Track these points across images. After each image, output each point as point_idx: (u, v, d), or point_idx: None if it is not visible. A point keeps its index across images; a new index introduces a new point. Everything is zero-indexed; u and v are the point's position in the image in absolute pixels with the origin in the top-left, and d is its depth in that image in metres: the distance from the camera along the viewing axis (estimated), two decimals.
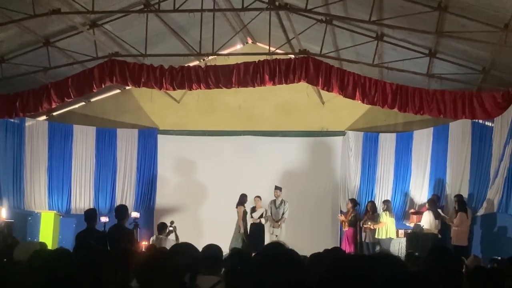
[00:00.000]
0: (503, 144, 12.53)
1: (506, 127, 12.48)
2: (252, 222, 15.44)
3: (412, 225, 14.67)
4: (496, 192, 12.64)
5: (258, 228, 15.38)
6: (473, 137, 14.19)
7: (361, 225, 15.27)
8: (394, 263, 1.93)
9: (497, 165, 12.72)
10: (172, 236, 13.80)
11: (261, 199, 15.58)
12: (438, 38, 12.00)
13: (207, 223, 16.72)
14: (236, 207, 15.44)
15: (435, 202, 14.50)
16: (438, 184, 15.21)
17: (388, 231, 14.75)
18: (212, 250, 5.23)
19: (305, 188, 16.43)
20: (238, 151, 17.13)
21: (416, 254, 9.69)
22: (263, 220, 15.44)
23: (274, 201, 15.56)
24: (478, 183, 13.79)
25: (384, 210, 14.92)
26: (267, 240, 15.17)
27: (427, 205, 14.53)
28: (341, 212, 16.59)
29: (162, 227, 13.76)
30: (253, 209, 15.57)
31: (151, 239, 13.96)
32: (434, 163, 15.46)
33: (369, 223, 14.95)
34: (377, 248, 15.04)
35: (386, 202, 15.28)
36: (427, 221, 14.19)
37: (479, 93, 12.71)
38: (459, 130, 14.64)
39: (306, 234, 15.70)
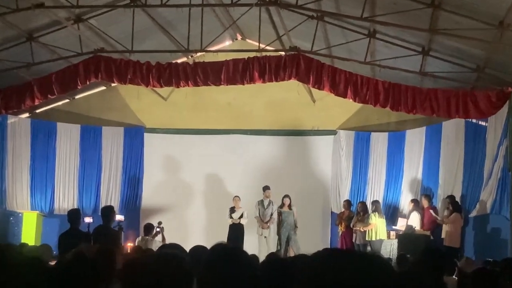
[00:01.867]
0: (497, 144, 12.59)
1: (500, 126, 12.53)
2: (231, 223, 15.43)
3: (402, 228, 14.69)
4: (490, 193, 12.69)
5: (237, 229, 15.38)
6: (466, 137, 14.23)
7: (351, 227, 15.32)
8: (379, 263, 1.92)
9: (490, 165, 12.77)
10: (159, 238, 13.77)
11: (240, 199, 15.59)
12: (432, 35, 12.04)
13: (195, 224, 16.71)
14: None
15: (418, 202, 14.63)
16: (430, 185, 15.26)
17: (378, 232, 14.77)
18: (199, 251, 5.21)
19: (296, 188, 16.41)
20: (227, 150, 17.12)
21: (408, 256, 9.71)
22: (242, 221, 15.44)
23: (262, 201, 15.55)
24: (471, 184, 13.84)
25: (373, 211, 14.96)
26: (254, 242, 15.19)
27: (412, 205, 14.61)
28: (332, 213, 16.63)
29: (149, 228, 13.74)
30: (232, 209, 15.57)
31: (137, 240, 13.92)
32: (426, 163, 15.50)
33: (358, 225, 14.99)
34: (368, 249, 15.08)
35: (375, 202, 15.31)
36: (416, 222, 14.27)
37: (473, 92, 12.76)
38: (453, 129, 14.68)
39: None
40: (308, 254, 4.66)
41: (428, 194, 14.89)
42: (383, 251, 14.56)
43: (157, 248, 10.88)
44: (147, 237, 13.41)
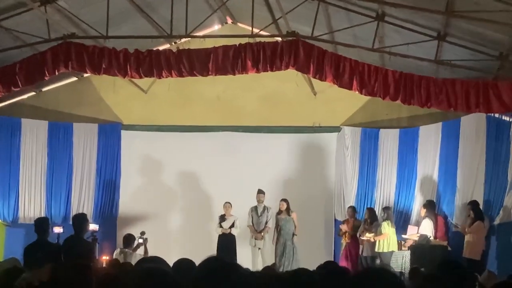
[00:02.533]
0: None
1: None
2: (221, 232, 15.44)
3: (412, 237, 14.72)
4: None
5: (228, 240, 15.42)
6: (488, 134, 14.26)
7: (358, 237, 15.36)
8: (390, 279, 1.94)
9: None
10: (140, 251, 13.73)
11: (231, 206, 15.61)
12: (448, 18, 12.05)
13: (179, 234, 16.72)
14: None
15: (433, 206, 14.68)
16: (447, 188, 15.29)
17: (390, 243, 14.83)
18: (185, 265, 5.21)
19: (294, 192, 16.46)
20: (216, 149, 17.13)
21: (422, 269, 9.74)
22: (234, 231, 15.45)
23: (256, 207, 15.58)
24: (494, 187, 13.88)
25: (384, 219, 15.00)
26: (246, 254, 15.23)
27: (424, 212, 14.65)
28: (335, 221, 16.67)
29: (129, 239, 13.68)
30: (222, 218, 15.61)
31: (115, 252, 13.88)
32: (443, 163, 15.54)
33: (367, 234, 15.03)
34: (377, 262, 15.14)
35: (386, 209, 15.38)
36: (429, 229, 14.31)
37: (496, 82, 12.76)
38: (472, 125, 14.72)
39: (297, 247, 15.66)
40: (309, 269, 4.68)
41: (432, 200, 14.95)
42: (394, 264, 14.63)
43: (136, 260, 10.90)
44: (126, 249, 13.36)
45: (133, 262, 11.57)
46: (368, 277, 1.96)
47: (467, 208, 13.89)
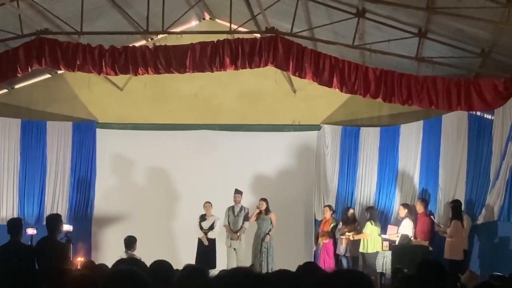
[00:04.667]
0: (505, 140, 12.72)
1: (509, 120, 12.67)
2: (201, 235, 15.39)
3: (391, 237, 14.80)
4: (497, 196, 12.81)
5: (208, 242, 15.40)
6: (470, 132, 14.35)
7: (337, 237, 15.42)
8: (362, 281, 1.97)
9: (498, 164, 12.90)
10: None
11: (211, 206, 15.59)
12: (430, 15, 12.12)
13: (156, 235, 16.66)
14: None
15: (410, 207, 14.83)
16: (429, 187, 15.38)
17: (375, 243, 14.90)
18: (161, 266, 5.23)
19: (274, 192, 16.45)
20: (193, 148, 17.11)
21: (406, 270, 9.79)
22: (211, 234, 15.41)
23: (233, 207, 15.58)
24: (476, 186, 13.95)
25: (368, 219, 15.08)
26: (222, 256, 15.22)
27: (405, 212, 14.75)
28: (315, 221, 16.71)
29: (131, 241, 13.46)
30: (203, 217, 15.58)
31: (121, 256, 13.44)
32: (424, 162, 15.62)
33: (347, 233, 15.10)
34: (360, 263, 15.20)
35: (370, 209, 15.47)
36: (409, 230, 14.41)
37: (477, 80, 12.85)
38: (454, 123, 14.80)
39: (274, 247, 15.67)
40: (289, 269, 4.69)
41: (425, 198, 15.01)
42: (376, 264, 14.68)
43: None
44: (129, 251, 13.17)
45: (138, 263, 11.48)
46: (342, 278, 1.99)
47: (450, 206, 13.94)
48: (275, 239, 15.37)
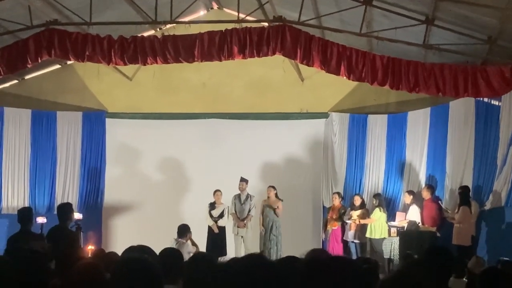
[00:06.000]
0: None
1: None
2: (211, 223, 15.39)
3: (400, 223, 14.80)
4: (504, 182, 12.81)
5: (219, 230, 15.41)
6: (477, 119, 14.32)
7: (345, 220, 15.44)
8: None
9: (505, 150, 12.88)
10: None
11: (222, 194, 15.57)
12: (437, 2, 12.06)
13: (165, 222, 16.67)
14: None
15: (415, 194, 14.92)
16: (436, 174, 15.36)
17: (382, 230, 14.92)
18: (170, 254, 5.25)
19: (282, 180, 16.47)
20: (202, 137, 17.12)
21: (416, 256, 9.78)
22: (221, 222, 15.41)
23: (239, 195, 15.59)
24: (483, 172, 13.94)
25: (377, 206, 15.12)
26: (230, 243, 15.25)
27: (411, 199, 14.76)
28: (323, 208, 16.71)
29: (183, 229, 13.40)
30: (212, 206, 15.57)
31: (171, 243, 13.35)
32: (432, 149, 15.60)
33: (353, 215, 15.12)
34: (368, 249, 15.22)
35: (377, 196, 15.52)
36: (416, 216, 14.42)
37: (484, 67, 12.81)
38: (461, 110, 14.77)
39: (282, 234, 15.67)
40: (297, 256, 4.69)
41: (431, 184, 15.00)
42: (384, 250, 14.70)
43: (189, 252, 11.03)
44: (179, 239, 13.13)
45: (185, 251, 11.54)
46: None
47: (458, 193, 13.93)
48: (283, 227, 15.37)
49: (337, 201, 15.76)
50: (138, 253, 4.92)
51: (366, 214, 15.32)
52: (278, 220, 15.25)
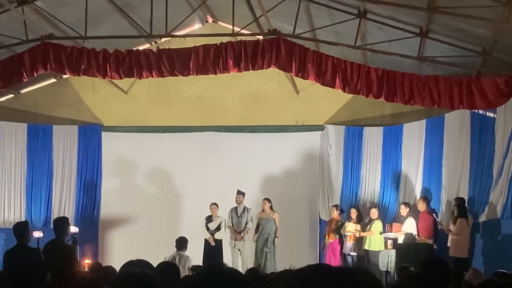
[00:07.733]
0: (507, 138, 12.70)
1: (511, 117, 12.64)
2: (208, 237, 15.37)
3: (397, 235, 14.79)
4: (500, 194, 12.81)
5: (215, 243, 15.39)
6: (472, 130, 14.33)
7: (343, 233, 15.41)
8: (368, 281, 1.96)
9: (500, 162, 12.89)
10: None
11: (217, 207, 15.56)
12: (431, 14, 12.10)
13: (162, 237, 16.66)
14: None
15: (411, 206, 14.89)
16: (432, 185, 15.36)
17: (381, 242, 14.91)
18: (167, 268, 5.24)
19: (278, 193, 16.46)
20: (198, 150, 17.11)
21: (412, 269, 9.75)
22: (218, 235, 15.39)
23: (236, 208, 15.58)
24: (479, 184, 13.94)
25: (376, 218, 15.14)
26: (227, 256, 15.22)
27: (407, 211, 14.74)
28: (320, 220, 16.69)
29: (182, 242, 13.40)
30: (209, 219, 15.55)
31: (170, 255, 13.31)
32: (427, 161, 15.61)
33: (351, 229, 15.08)
34: (366, 262, 15.18)
35: (377, 207, 15.57)
36: (412, 228, 14.41)
37: (479, 78, 12.84)
38: (456, 122, 14.79)
39: (278, 247, 15.64)
40: (292, 269, 4.68)
41: (426, 196, 15.00)
42: (380, 263, 14.67)
43: (190, 265, 11.01)
44: (180, 252, 13.11)
45: (186, 264, 11.47)
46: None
47: (453, 204, 13.94)
48: (279, 239, 15.36)
49: (335, 214, 15.74)
50: (137, 267, 4.90)
51: (361, 228, 15.30)
52: (273, 234, 15.24)
